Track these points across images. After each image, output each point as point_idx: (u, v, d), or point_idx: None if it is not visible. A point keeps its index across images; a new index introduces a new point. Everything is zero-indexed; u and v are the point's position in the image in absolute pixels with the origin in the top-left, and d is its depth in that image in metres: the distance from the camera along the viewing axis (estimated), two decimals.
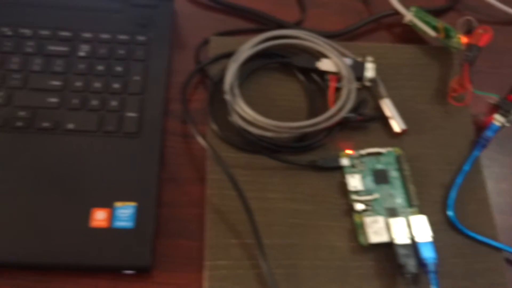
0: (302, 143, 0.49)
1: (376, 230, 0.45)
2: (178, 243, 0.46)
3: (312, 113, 0.51)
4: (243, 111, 0.49)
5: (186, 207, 0.47)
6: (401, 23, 0.58)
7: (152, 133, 0.48)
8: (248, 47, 0.52)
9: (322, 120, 0.48)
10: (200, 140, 0.47)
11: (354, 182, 0.48)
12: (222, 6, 0.58)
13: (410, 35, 0.58)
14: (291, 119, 0.49)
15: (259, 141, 0.49)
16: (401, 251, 0.44)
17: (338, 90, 0.51)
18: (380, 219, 0.45)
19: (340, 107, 0.49)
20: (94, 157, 0.46)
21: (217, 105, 0.51)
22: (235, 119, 0.49)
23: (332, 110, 0.49)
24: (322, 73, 0.53)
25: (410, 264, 0.43)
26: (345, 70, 0.51)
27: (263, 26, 0.57)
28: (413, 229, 0.45)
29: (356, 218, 0.46)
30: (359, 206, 0.46)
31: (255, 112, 0.48)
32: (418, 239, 0.44)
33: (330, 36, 0.56)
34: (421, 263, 0.43)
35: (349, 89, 0.50)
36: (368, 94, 0.53)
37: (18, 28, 0.51)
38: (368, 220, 0.45)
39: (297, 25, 0.57)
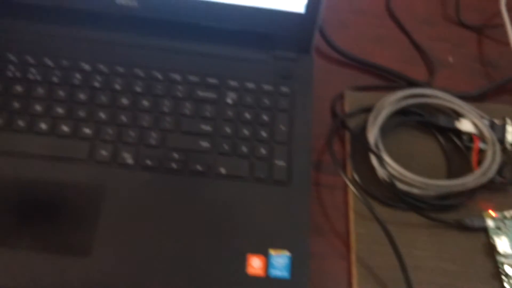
0: (446, 202, 0.49)
1: None
2: None
3: (451, 172, 0.52)
4: (390, 167, 0.49)
5: (330, 258, 0.48)
6: None
7: (301, 182, 0.48)
8: (388, 103, 0.53)
9: (469, 181, 0.49)
10: (354, 191, 0.48)
11: (503, 244, 0.47)
12: (353, 62, 0.60)
13: None
14: (429, 177, 0.50)
15: (404, 196, 0.49)
16: None
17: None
18: None
19: (486, 168, 0.49)
20: (246, 203, 0.47)
21: (358, 157, 0.52)
22: (381, 173, 0.49)
23: (479, 171, 0.49)
24: (459, 133, 0.54)
25: None
26: (487, 132, 0.51)
27: (394, 84, 0.58)
28: None
29: (508, 283, 0.46)
30: (511, 270, 0.46)
31: (403, 168, 0.49)
32: None
33: (460, 97, 0.57)
34: None
35: (494, 151, 0.50)
36: (505, 156, 0.53)
37: (168, 72, 0.53)
38: None
39: (427, 84, 0.58)
